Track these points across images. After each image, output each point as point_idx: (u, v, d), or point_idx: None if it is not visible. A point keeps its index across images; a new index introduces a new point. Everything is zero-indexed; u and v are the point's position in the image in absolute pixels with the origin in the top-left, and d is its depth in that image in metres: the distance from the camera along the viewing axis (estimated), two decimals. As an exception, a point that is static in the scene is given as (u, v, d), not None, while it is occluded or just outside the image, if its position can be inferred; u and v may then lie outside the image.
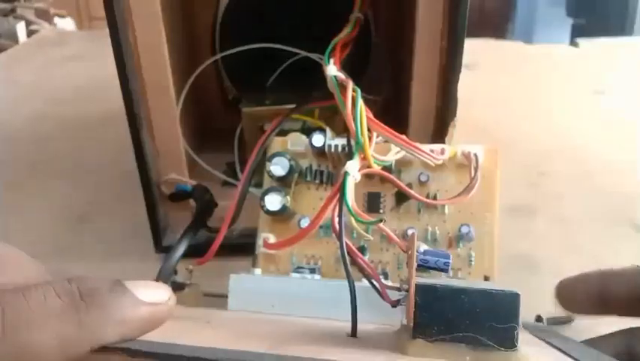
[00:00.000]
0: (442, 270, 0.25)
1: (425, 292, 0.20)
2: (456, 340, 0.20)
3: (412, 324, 0.20)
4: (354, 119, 0.28)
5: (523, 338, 0.20)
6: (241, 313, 0.27)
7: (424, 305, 0.20)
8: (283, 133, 0.34)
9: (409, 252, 0.22)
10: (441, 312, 0.20)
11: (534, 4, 1.81)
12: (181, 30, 0.43)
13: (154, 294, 0.21)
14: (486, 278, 0.30)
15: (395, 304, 0.24)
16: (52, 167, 0.55)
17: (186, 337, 0.21)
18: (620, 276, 0.30)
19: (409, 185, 0.31)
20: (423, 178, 0.32)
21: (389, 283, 0.26)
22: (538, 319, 0.33)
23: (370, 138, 0.29)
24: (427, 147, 0.31)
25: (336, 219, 0.26)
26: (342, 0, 0.39)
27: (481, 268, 0.30)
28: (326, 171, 0.33)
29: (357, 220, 0.26)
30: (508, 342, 0.19)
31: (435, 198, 0.31)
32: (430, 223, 0.31)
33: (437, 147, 0.31)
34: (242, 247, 0.35)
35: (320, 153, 0.32)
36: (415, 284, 0.20)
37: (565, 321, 0.35)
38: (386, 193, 0.32)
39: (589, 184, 0.49)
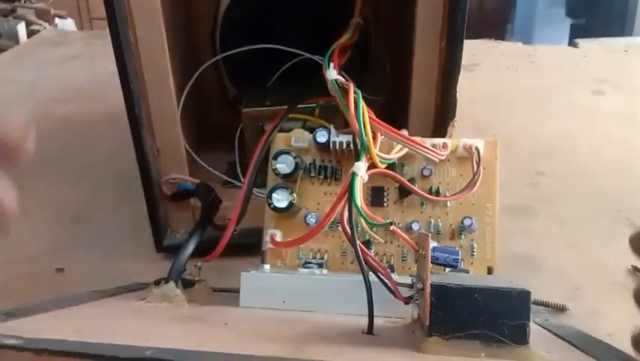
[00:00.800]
0: (451, 266, 0.25)
1: (440, 292, 0.20)
2: (470, 337, 0.20)
3: (427, 323, 0.20)
4: (358, 121, 0.28)
5: (531, 329, 0.20)
6: (254, 310, 0.28)
7: (439, 304, 0.20)
8: (284, 133, 0.34)
9: (424, 253, 0.23)
10: (455, 311, 0.20)
11: (533, 4, 1.81)
12: (182, 30, 0.43)
13: None
14: (489, 270, 0.30)
15: (407, 301, 0.24)
16: (52, 167, 0.55)
17: (211, 341, 0.21)
18: None
19: (412, 179, 0.32)
20: (426, 172, 0.32)
21: (396, 276, 0.27)
22: None
23: (375, 138, 0.29)
24: (429, 142, 0.32)
25: (347, 225, 0.26)
26: (342, 0, 0.39)
27: (483, 258, 0.31)
28: (330, 166, 0.33)
29: (367, 223, 0.27)
30: (521, 338, 0.20)
31: (438, 190, 0.32)
32: (432, 216, 0.32)
33: (439, 141, 0.32)
34: (241, 247, 0.35)
35: (323, 148, 0.33)
36: (430, 284, 0.20)
37: (561, 308, 0.36)
38: (389, 187, 0.33)
39: (588, 184, 0.49)
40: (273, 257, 0.32)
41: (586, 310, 0.37)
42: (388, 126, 0.29)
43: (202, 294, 0.31)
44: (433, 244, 0.23)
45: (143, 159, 0.37)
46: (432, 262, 0.24)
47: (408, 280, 0.25)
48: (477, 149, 0.31)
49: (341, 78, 0.31)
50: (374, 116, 0.29)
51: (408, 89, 0.38)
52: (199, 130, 0.46)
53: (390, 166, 0.31)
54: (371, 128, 0.29)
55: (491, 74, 0.72)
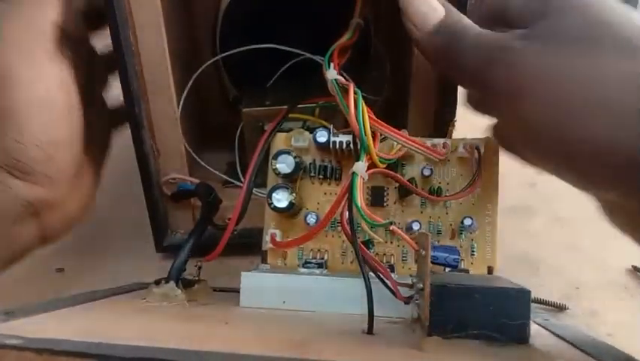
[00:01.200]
0: (451, 266, 0.25)
1: (440, 292, 0.20)
2: (470, 336, 0.20)
3: (427, 323, 0.20)
4: (358, 121, 0.29)
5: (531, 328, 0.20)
6: (254, 310, 0.28)
7: (438, 304, 0.20)
8: (284, 133, 0.34)
9: (424, 253, 0.23)
10: (455, 310, 0.20)
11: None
12: (182, 30, 0.43)
13: None
14: (489, 270, 0.31)
15: (407, 301, 0.24)
16: (52, 167, 0.55)
17: (211, 341, 0.21)
18: None
19: (412, 179, 0.32)
20: (426, 172, 0.32)
21: (395, 276, 0.27)
22: None
23: (375, 138, 0.29)
24: (429, 142, 0.32)
25: (347, 225, 0.26)
26: (342, 0, 0.39)
27: (483, 258, 0.31)
28: (330, 166, 0.33)
29: (367, 223, 0.27)
30: (521, 337, 0.20)
31: (438, 190, 0.32)
32: (432, 216, 0.32)
33: (439, 141, 0.32)
34: (241, 247, 0.35)
35: (323, 148, 0.33)
36: (430, 284, 0.20)
37: (560, 307, 0.36)
38: (389, 187, 0.33)
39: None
40: (273, 257, 0.32)
41: (585, 310, 0.37)
42: (388, 126, 0.29)
43: (202, 294, 0.31)
44: (432, 243, 0.23)
45: (143, 159, 0.37)
46: (432, 262, 0.24)
47: (408, 280, 0.25)
48: (477, 149, 0.31)
49: (341, 78, 0.31)
50: (374, 116, 0.29)
51: (408, 89, 0.38)
52: (199, 130, 0.46)
53: (391, 166, 0.31)
54: (371, 128, 0.29)
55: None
